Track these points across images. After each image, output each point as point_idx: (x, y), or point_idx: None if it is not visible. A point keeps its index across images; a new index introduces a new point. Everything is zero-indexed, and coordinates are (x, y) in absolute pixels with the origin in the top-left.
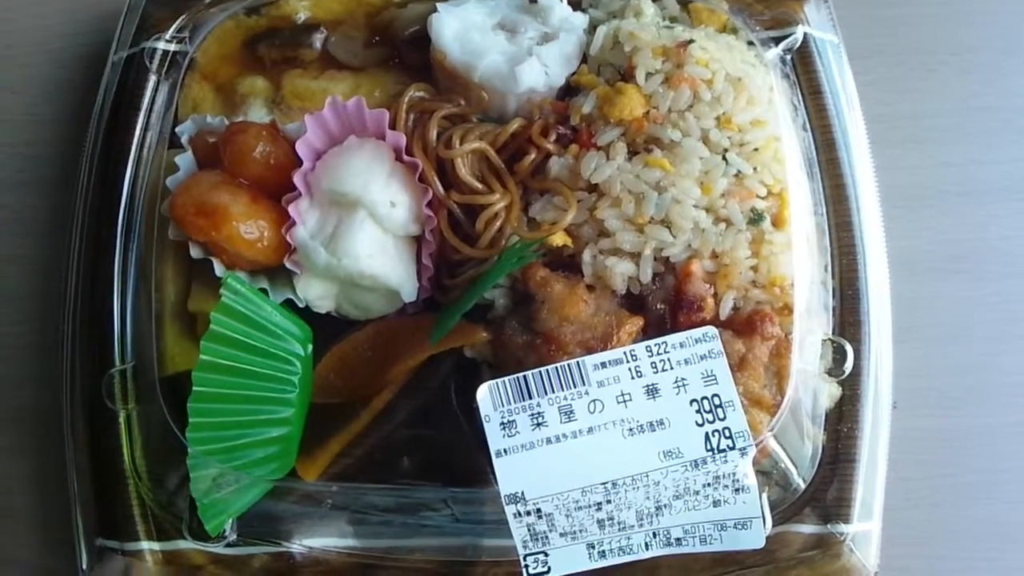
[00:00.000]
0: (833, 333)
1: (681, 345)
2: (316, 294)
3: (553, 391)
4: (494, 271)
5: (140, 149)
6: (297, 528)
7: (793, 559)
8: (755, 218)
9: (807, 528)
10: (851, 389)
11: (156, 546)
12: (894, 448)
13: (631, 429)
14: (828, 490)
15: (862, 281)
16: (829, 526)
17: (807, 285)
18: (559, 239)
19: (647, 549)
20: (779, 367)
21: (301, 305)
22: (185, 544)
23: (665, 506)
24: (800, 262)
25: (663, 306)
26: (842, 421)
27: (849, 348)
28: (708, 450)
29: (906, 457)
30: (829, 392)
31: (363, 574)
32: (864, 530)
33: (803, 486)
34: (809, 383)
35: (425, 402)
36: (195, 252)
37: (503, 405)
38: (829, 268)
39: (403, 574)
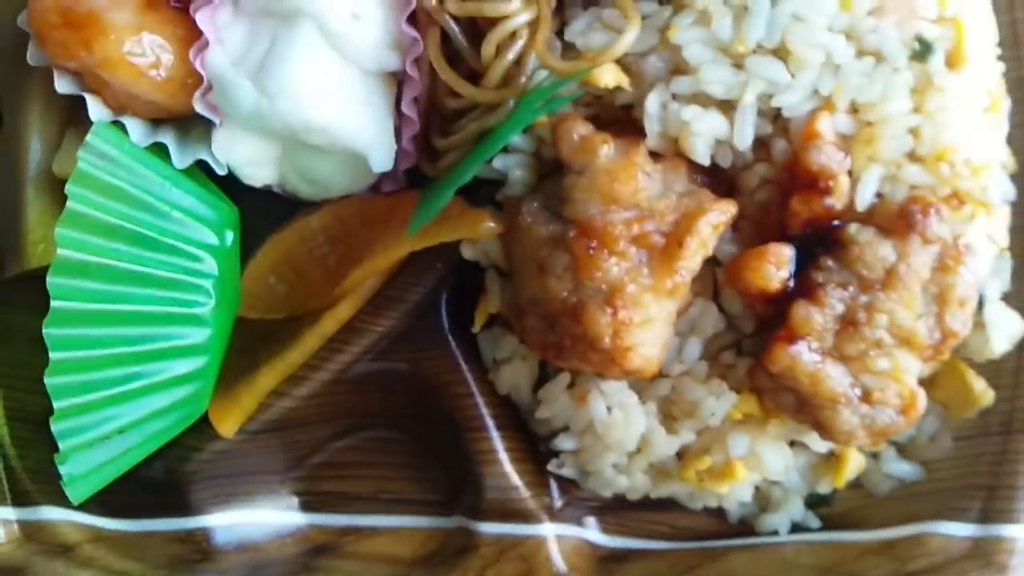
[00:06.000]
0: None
1: None
2: (245, 156)
3: None
4: (508, 125)
5: None
6: (214, 496)
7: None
8: (921, 51)
9: (957, 528)
10: None
11: (11, 514)
12: None
13: None
14: (998, 473)
15: None
16: (993, 526)
17: (997, 162)
18: (610, 76)
19: None
20: (944, 287)
21: (221, 172)
22: (53, 513)
23: None
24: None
25: (768, 186)
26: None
27: None
28: None
29: None
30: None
31: (310, 560)
32: None
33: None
34: (986, 312)
35: (401, 322)
36: (63, 85)
37: None
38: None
39: (367, 563)
